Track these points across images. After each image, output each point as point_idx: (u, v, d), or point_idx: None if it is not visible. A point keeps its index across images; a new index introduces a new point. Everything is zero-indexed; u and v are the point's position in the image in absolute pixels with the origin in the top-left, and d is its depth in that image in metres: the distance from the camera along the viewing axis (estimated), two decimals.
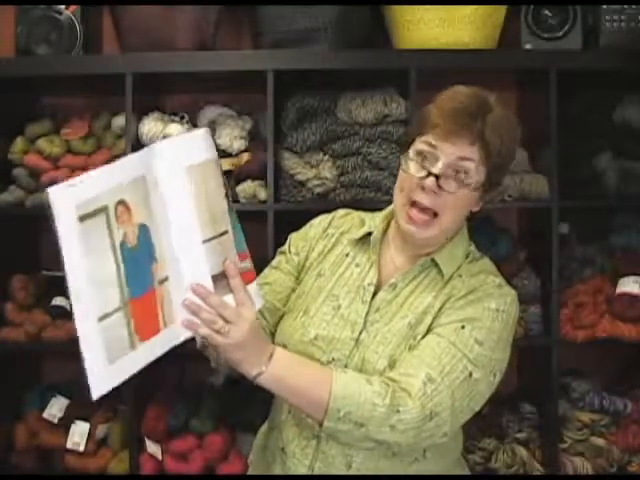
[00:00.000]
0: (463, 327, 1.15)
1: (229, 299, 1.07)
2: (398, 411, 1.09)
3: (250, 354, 1.08)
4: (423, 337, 1.18)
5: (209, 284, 1.06)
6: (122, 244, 0.98)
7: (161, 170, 1.02)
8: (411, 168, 1.17)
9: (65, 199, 0.91)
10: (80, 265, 0.93)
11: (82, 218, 0.92)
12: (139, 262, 1.00)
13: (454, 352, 1.13)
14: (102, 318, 0.96)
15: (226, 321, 1.06)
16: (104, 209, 0.95)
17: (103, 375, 0.97)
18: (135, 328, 1.00)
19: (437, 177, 1.13)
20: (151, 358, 1.05)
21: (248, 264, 1.10)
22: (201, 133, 1.06)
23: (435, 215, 1.17)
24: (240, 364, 1.09)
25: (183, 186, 1.03)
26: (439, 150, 1.15)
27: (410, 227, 1.18)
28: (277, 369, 1.10)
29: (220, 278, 1.06)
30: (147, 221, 1.01)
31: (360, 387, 1.10)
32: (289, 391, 1.12)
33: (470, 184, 1.15)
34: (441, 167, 1.14)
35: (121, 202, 0.98)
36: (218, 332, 1.05)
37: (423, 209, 1.16)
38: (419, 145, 1.18)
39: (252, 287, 1.11)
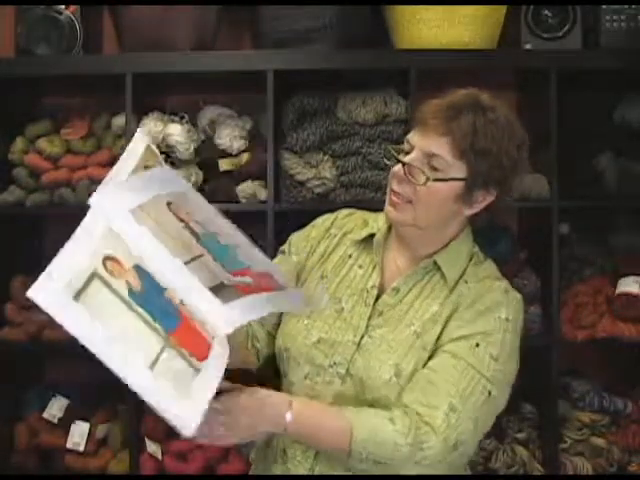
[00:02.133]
0: (477, 345, 1.14)
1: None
2: (422, 449, 1.08)
3: (262, 428, 1.10)
4: (433, 347, 1.17)
5: (208, 295, 1.03)
6: (130, 293, 0.95)
7: (111, 218, 0.98)
8: (390, 160, 1.20)
9: (48, 292, 0.88)
10: (99, 337, 0.90)
11: (76, 296, 0.90)
12: (154, 299, 0.98)
13: (472, 374, 1.13)
14: (152, 365, 0.94)
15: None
16: (94, 274, 0.93)
17: (185, 412, 0.95)
18: (190, 354, 0.98)
19: (405, 165, 1.15)
20: (221, 369, 1.00)
21: (247, 279, 1.09)
22: (131, 180, 1.02)
23: (410, 203, 1.18)
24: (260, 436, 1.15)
25: (137, 227, 0.99)
26: (412, 142, 1.18)
27: (388, 208, 1.21)
28: (295, 428, 1.10)
29: (219, 288, 1.06)
30: (137, 260, 0.99)
31: (382, 427, 1.09)
32: (311, 443, 1.15)
33: (441, 177, 1.14)
34: (410, 157, 1.16)
35: (107, 258, 0.95)
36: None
37: (398, 196, 1.18)
38: (405, 141, 1.21)
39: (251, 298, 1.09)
